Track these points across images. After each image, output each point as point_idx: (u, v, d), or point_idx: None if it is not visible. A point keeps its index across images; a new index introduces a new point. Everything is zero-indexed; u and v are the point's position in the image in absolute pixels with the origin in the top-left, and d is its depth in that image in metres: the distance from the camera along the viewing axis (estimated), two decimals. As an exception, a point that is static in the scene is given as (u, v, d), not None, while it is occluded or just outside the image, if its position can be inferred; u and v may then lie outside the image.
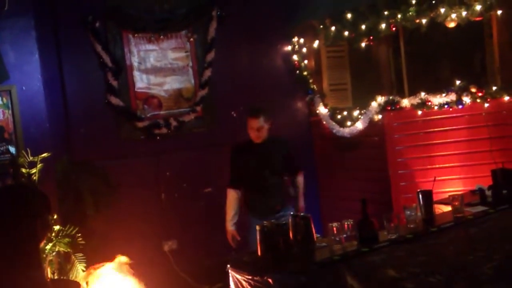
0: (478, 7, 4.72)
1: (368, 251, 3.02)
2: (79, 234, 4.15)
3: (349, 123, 5.48)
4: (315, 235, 3.17)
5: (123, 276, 4.03)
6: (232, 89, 5.75)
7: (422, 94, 5.04)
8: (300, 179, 4.52)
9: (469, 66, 5.73)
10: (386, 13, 5.06)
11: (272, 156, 4.32)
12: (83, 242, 4.15)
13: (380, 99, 5.22)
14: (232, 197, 4.37)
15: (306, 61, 6.08)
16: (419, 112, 5.07)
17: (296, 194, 4.50)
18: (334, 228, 3.18)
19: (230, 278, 3.19)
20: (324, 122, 5.79)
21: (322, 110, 5.82)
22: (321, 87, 6.10)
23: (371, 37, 5.36)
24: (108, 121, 5.27)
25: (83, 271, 4.10)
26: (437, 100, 4.99)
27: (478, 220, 3.42)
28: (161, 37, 5.51)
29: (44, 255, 3.95)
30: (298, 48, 6.06)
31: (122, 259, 4.14)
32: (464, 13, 4.77)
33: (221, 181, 5.61)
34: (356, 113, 5.44)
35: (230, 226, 4.36)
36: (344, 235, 3.15)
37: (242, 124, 5.73)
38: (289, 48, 6.12)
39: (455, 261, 3.17)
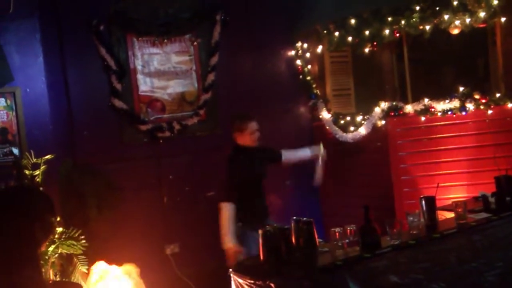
0: (482, 14, 4.74)
1: (371, 257, 3.01)
2: (82, 236, 4.15)
3: (352, 128, 5.48)
4: (317, 240, 3.17)
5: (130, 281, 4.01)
6: (236, 93, 5.76)
7: (426, 100, 5.04)
8: (291, 153, 4.67)
9: (472, 73, 5.74)
10: (390, 19, 5.07)
11: (264, 160, 4.49)
12: (85, 244, 4.15)
13: (384, 104, 5.22)
14: (229, 211, 4.20)
15: (309, 66, 6.08)
16: (423, 118, 5.07)
17: (305, 157, 4.69)
18: (337, 233, 3.17)
19: (232, 282, 3.19)
20: (327, 127, 5.79)
21: (325, 115, 5.83)
22: (325, 92, 6.10)
23: (375, 43, 5.37)
24: (111, 124, 5.27)
25: (86, 273, 4.10)
26: (440, 106, 4.99)
27: (481, 227, 3.41)
28: (165, 40, 5.52)
29: (47, 257, 3.95)
30: (301, 53, 6.07)
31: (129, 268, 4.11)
32: (468, 20, 4.78)
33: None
34: (359, 118, 5.44)
35: (230, 242, 4.11)
36: (347, 241, 3.14)
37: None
38: (292, 53, 6.13)
39: (458, 268, 3.17)
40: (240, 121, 4.39)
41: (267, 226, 3.23)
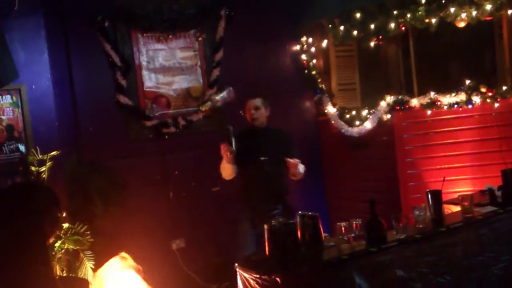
0: (488, 7, 4.70)
1: (377, 251, 3.01)
2: (88, 232, 4.17)
3: (357, 122, 5.46)
4: (323, 235, 3.16)
5: (128, 272, 4.02)
6: (241, 88, 5.72)
7: (432, 93, 5.02)
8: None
9: (479, 66, 5.70)
10: (395, 12, 5.05)
11: (271, 143, 4.28)
12: (91, 240, 4.16)
13: (389, 98, 5.20)
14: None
15: (314, 61, 6.07)
16: (429, 112, 5.05)
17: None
18: (343, 228, 3.17)
19: (238, 277, 3.19)
20: (333, 122, 5.78)
21: (330, 109, 5.81)
22: (330, 87, 6.08)
23: (380, 37, 5.34)
24: (116, 120, 5.28)
25: (92, 268, 4.12)
26: (446, 100, 4.97)
27: (487, 221, 3.40)
28: (170, 36, 5.52)
29: (53, 253, 3.97)
30: (306, 48, 6.05)
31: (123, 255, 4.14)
32: (474, 13, 4.75)
33: (230, 180, 5.63)
34: (364, 112, 5.42)
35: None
36: (353, 235, 3.14)
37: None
38: (297, 47, 6.11)
39: (464, 261, 3.17)
40: None
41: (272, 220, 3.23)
